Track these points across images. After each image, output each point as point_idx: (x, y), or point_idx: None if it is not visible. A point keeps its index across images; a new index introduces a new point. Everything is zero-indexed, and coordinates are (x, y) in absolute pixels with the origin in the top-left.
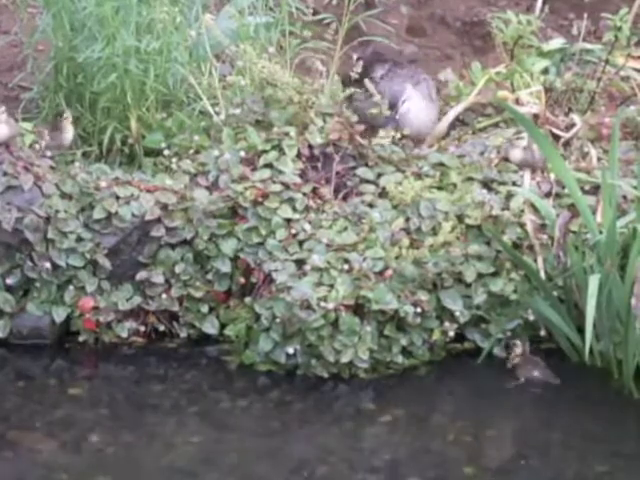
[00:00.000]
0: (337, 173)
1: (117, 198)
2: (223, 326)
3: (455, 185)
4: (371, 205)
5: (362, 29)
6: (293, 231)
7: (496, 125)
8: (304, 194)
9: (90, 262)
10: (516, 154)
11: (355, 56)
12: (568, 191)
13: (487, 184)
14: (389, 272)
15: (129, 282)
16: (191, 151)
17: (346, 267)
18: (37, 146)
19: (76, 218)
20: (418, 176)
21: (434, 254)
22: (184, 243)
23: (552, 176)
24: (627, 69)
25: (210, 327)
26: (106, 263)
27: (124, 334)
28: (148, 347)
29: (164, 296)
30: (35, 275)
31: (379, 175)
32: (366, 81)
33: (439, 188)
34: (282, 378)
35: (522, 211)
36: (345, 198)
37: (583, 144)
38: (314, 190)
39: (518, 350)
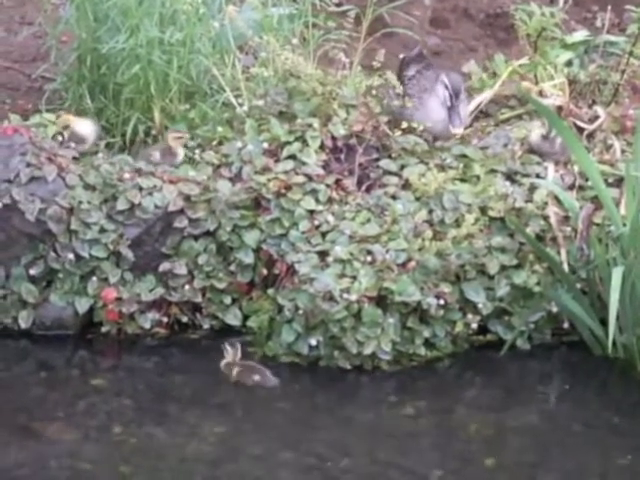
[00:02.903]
0: (360, 165)
1: (140, 189)
2: (246, 317)
3: (478, 177)
4: (394, 197)
5: (386, 21)
6: (316, 222)
7: (519, 117)
8: (327, 185)
9: (113, 253)
10: (534, 139)
11: (401, 55)
12: (591, 183)
13: (510, 176)
14: (412, 264)
15: (152, 273)
16: (214, 142)
17: (369, 259)
18: (60, 137)
19: (99, 209)
20: (441, 168)
21: (457, 246)
22: (207, 234)
23: (576, 168)
24: None
25: (233, 318)
26: (129, 254)
27: (147, 325)
28: (171, 338)
29: (187, 287)
30: (58, 266)
31: (402, 167)
32: (388, 73)
33: (462, 180)
34: (304, 369)
35: (545, 203)
36: (368, 190)
37: (607, 136)
38: (337, 182)
39: (229, 357)
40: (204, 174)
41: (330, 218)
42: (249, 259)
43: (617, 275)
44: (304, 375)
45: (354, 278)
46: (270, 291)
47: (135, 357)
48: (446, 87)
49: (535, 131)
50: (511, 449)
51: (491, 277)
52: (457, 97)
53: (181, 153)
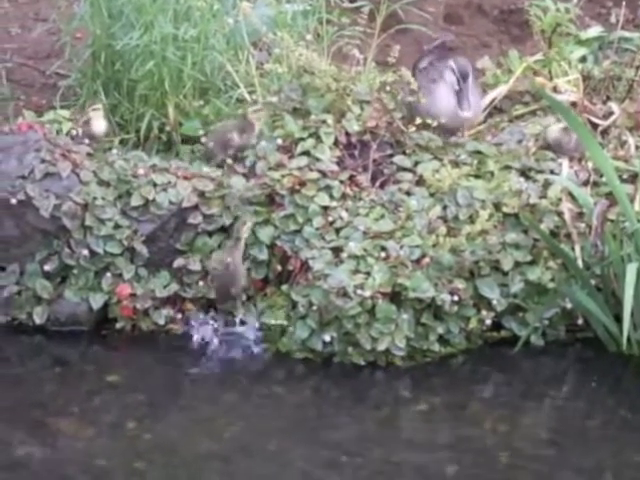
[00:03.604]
0: (374, 161)
1: (154, 185)
2: (260, 313)
3: (492, 173)
4: (408, 193)
5: (399, 17)
6: (330, 219)
7: (533, 113)
8: (341, 182)
9: (127, 249)
10: (552, 133)
11: (425, 47)
12: (606, 179)
13: (524, 172)
14: (426, 260)
15: (166, 269)
16: None
17: (383, 255)
18: (74, 132)
19: (113, 205)
20: (455, 164)
21: (471, 242)
22: (221, 230)
23: (590, 164)
24: None
25: (247, 314)
26: (143, 250)
27: (161, 321)
28: (185, 334)
29: (201, 283)
30: (73, 262)
31: (416, 163)
32: (402, 69)
33: (476, 176)
34: (318, 366)
35: (560, 199)
36: (382, 186)
37: (621, 132)
38: (351, 178)
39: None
40: (218, 170)
41: (344, 214)
42: (263, 255)
43: (631, 271)
44: (318, 371)
45: (368, 274)
46: (284, 287)
47: (149, 353)
48: (453, 71)
49: (553, 126)
50: (525, 445)
51: (505, 273)
52: (465, 81)
53: (258, 125)
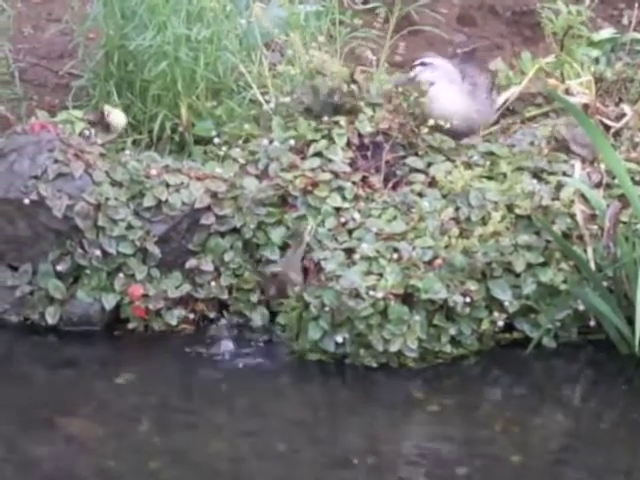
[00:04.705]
0: (387, 162)
1: (167, 186)
2: (273, 315)
3: (505, 175)
4: (420, 194)
5: (412, 18)
6: (342, 220)
7: (546, 115)
8: (354, 183)
9: (140, 250)
10: (565, 130)
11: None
12: (618, 181)
13: (537, 174)
14: (438, 261)
15: (178, 270)
16: (241, 139)
17: (395, 256)
18: (87, 132)
19: (126, 206)
20: (468, 165)
21: (483, 244)
22: (233, 231)
23: (602, 166)
24: None
25: (259, 316)
26: (156, 251)
27: (173, 322)
28: (197, 335)
29: (213, 284)
30: (85, 262)
31: (429, 164)
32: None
33: (489, 178)
34: (331, 367)
35: (572, 201)
36: (395, 187)
37: (634, 134)
38: (364, 179)
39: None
40: (231, 171)
41: (356, 215)
42: (275, 256)
43: None
44: (330, 372)
45: (380, 275)
46: (297, 288)
47: (161, 353)
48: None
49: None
50: (537, 447)
51: (517, 275)
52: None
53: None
